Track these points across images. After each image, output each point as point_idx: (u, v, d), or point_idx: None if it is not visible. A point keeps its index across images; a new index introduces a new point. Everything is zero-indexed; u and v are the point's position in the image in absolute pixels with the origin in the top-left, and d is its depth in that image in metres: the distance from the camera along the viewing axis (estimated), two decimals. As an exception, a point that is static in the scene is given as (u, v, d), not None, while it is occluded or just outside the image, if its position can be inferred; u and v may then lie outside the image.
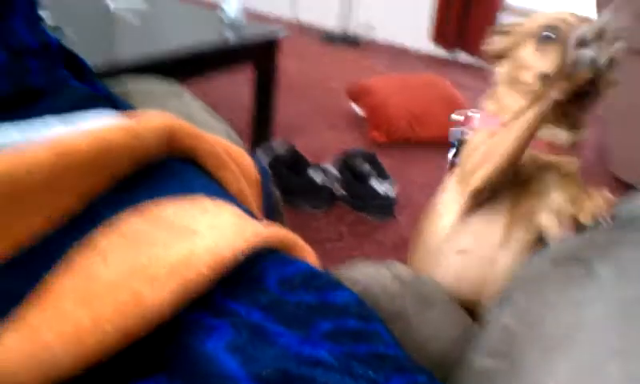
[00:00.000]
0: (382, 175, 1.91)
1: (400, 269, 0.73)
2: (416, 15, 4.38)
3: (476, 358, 0.56)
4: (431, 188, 2.02)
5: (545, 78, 0.79)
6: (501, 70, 0.90)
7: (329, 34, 4.61)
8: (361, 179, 1.91)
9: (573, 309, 0.52)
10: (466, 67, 4.17)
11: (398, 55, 4.26)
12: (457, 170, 0.92)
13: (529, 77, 0.82)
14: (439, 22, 4.23)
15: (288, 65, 3.21)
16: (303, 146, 2.10)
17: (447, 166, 1.00)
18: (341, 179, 1.90)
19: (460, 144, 0.94)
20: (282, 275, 0.44)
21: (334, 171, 1.91)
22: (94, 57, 0.86)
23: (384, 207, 1.86)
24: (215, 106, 2.49)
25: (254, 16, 3.93)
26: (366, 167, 1.95)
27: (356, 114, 2.70)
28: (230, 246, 0.41)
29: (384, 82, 2.74)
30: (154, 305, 0.35)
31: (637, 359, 0.42)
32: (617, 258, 0.53)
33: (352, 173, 1.94)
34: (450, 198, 0.90)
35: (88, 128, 0.45)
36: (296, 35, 4.33)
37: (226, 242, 0.41)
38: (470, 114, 0.93)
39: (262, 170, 0.67)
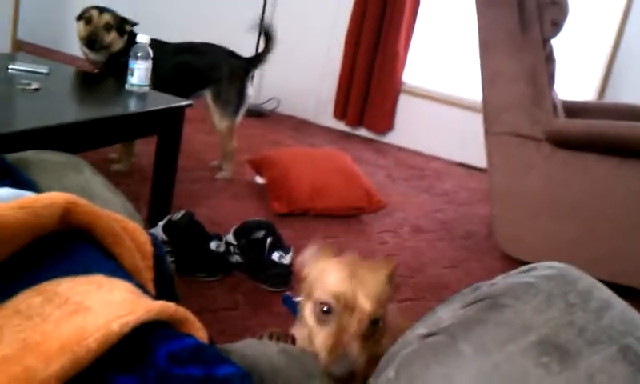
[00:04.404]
0: (281, 245, 1.96)
1: (287, 343, 0.77)
2: (320, 93, 4.56)
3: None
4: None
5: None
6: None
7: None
8: (258, 248, 1.94)
9: (441, 381, 0.59)
10: (366, 141, 4.38)
11: (302, 128, 4.40)
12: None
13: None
14: (341, 101, 4.43)
15: (192, 133, 3.24)
16: (204, 215, 2.11)
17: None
18: (238, 248, 1.92)
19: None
20: (171, 350, 0.47)
21: (232, 240, 1.93)
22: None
23: (280, 276, 1.90)
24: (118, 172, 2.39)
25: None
26: (264, 236, 1.98)
27: (258, 185, 2.75)
28: (120, 321, 0.44)
29: (286, 154, 2.83)
30: (43, 379, 0.38)
31: None
32: (478, 335, 0.62)
33: (250, 242, 1.97)
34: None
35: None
36: (201, 105, 4.35)
37: (117, 318, 0.44)
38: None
39: (157, 246, 0.70)
